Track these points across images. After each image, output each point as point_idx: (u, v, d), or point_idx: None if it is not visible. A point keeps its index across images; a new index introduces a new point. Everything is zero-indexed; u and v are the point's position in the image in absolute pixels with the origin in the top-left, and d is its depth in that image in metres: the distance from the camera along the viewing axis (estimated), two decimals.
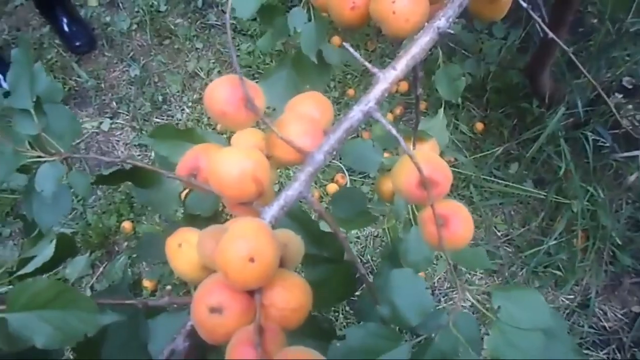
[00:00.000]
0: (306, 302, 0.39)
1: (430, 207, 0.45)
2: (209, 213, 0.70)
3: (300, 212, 0.67)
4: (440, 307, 1.69)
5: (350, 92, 1.96)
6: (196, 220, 0.70)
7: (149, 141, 0.68)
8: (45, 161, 0.60)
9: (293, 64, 0.67)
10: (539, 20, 0.49)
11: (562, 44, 0.48)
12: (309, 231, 0.67)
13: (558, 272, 1.74)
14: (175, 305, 0.52)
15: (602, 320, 1.71)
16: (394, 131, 0.43)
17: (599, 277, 1.73)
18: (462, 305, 1.72)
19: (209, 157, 0.46)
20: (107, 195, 1.79)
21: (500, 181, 1.85)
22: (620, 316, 1.71)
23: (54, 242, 0.56)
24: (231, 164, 0.43)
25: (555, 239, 1.75)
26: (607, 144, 1.74)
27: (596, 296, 1.71)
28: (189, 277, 0.47)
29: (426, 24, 0.46)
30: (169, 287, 0.44)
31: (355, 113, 0.44)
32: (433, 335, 0.45)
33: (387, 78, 0.45)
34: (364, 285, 0.67)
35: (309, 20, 0.62)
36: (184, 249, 0.47)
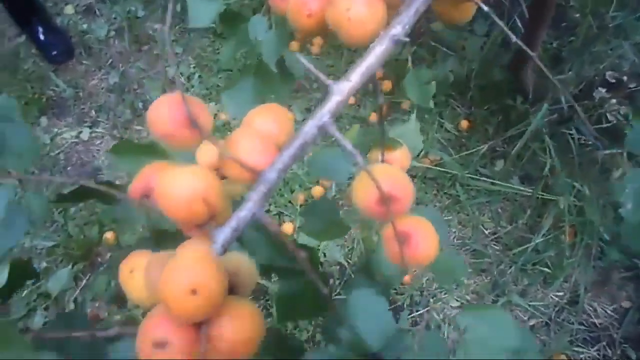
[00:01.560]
0: (257, 333, 0.37)
1: (391, 224, 0.43)
2: (175, 228, 0.68)
3: (265, 226, 0.65)
4: (428, 308, 1.68)
5: None
6: (163, 235, 0.68)
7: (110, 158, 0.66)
8: None
9: (256, 72, 0.65)
10: (504, 25, 0.47)
11: (526, 48, 0.46)
12: (277, 243, 0.65)
13: (546, 269, 1.73)
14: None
15: (592, 316, 1.70)
16: (349, 147, 0.41)
17: (588, 273, 1.72)
18: (451, 306, 1.71)
19: (160, 177, 0.44)
20: (88, 206, 1.76)
21: (486, 179, 1.84)
22: (610, 312, 1.71)
23: (7, 268, 0.53)
24: (180, 185, 0.41)
25: (543, 235, 1.74)
26: (590, 142, 1.73)
27: (585, 292, 1.70)
28: (143, 305, 0.45)
29: (382, 32, 0.44)
30: (117, 317, 0.42)
31: (310, 128, 0.42)
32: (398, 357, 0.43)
33: (342, 90, 0.42)
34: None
35: (270, 28, 0.60)
36: (136, 275, 0.45)
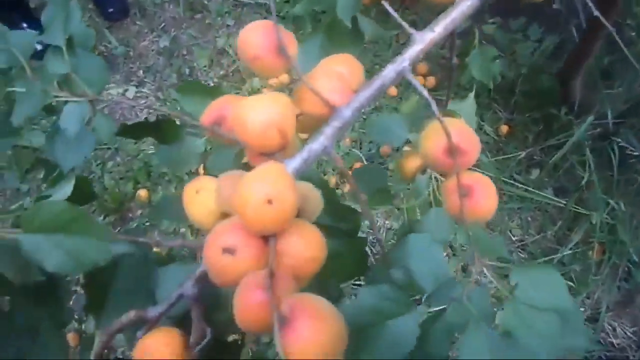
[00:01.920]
0: (321, 254, 0.39)
1: (455, 177, 0.44)
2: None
3: (320, 180, 0.66)
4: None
5: None
6: None
7: (176, 96, 0.68)
8: (72, 101, 0.60)
9: (327, 30, 0.66)
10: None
11: (607, 24, 0.46)
12: (327, 200, 0.66)
13: (570, 283, 1.72)
14: (186, 256, 0.52)
15: (611, 336, 1.68)
16: (425, 93, 0.42)
17: (612, 292, 1.70)
18: None
19: (236, 105, 0.46)
20: (125, 162, 1.81)
21: (520, 185, 1.83)
22: (629, 334, 1.68)
23: (73, 181, 0.56)
24: (258, 111, 0.42)
25: (571, 249, 1.72)
26: (636, 153, 1.70)
27: (607, 311, 1.68)
28: (205, 224, 0.47)
29: None
30: (183, 229, 0.43)
31: (389, 72, 0.43)
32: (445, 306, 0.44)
33: (424, 39, 0.43)
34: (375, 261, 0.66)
35: None
36: (202, 195, 0.47)
